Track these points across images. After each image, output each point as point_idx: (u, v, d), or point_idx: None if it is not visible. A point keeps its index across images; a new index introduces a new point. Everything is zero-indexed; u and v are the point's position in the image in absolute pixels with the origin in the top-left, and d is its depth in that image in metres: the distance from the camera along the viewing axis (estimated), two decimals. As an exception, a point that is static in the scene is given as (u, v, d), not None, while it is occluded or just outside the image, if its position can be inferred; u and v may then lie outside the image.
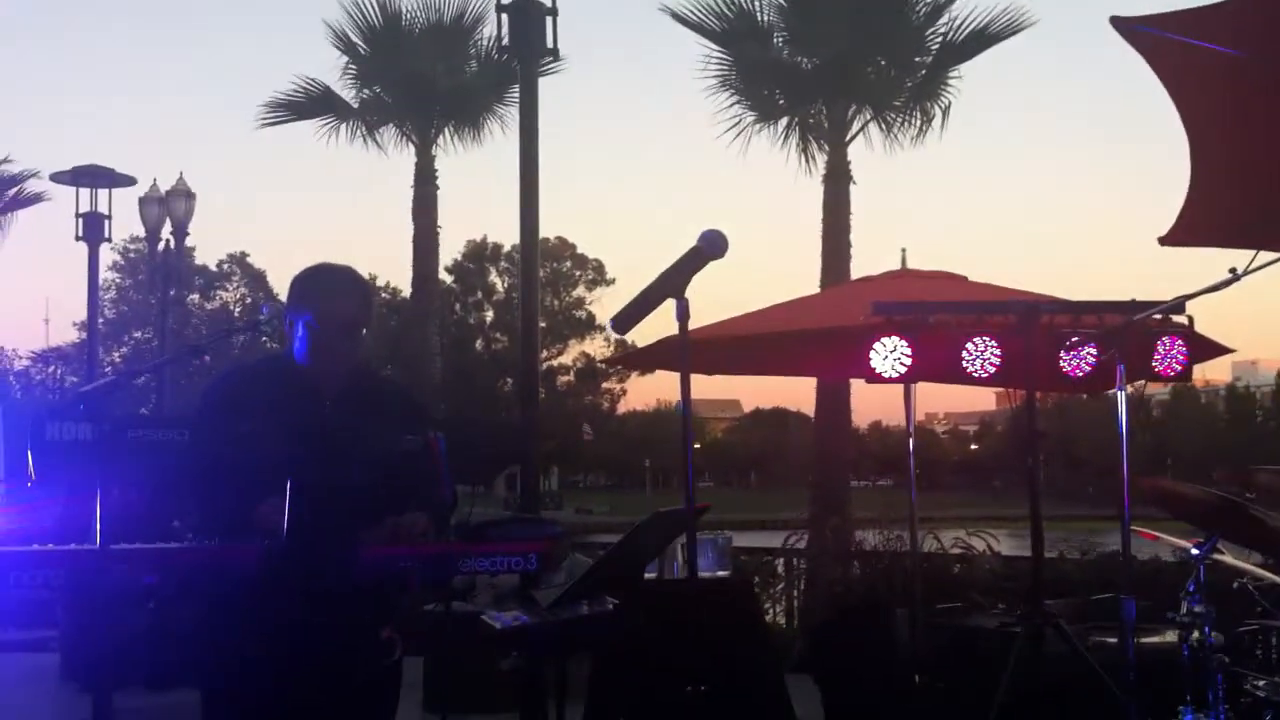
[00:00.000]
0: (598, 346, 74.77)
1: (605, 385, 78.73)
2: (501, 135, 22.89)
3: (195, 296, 62.74)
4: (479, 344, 71.86)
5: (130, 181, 19.61)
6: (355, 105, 23.00)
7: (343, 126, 23.05)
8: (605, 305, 71.70)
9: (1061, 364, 6.01)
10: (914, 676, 7.35)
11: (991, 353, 6.04)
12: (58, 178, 19.34)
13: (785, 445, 73.43)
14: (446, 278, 66.65)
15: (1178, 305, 5.87)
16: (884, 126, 16.87)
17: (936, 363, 6.11)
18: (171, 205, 20.34)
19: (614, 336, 71.71)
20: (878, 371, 6.07)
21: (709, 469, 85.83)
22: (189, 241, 22.29)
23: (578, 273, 74.81)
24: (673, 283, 3.26)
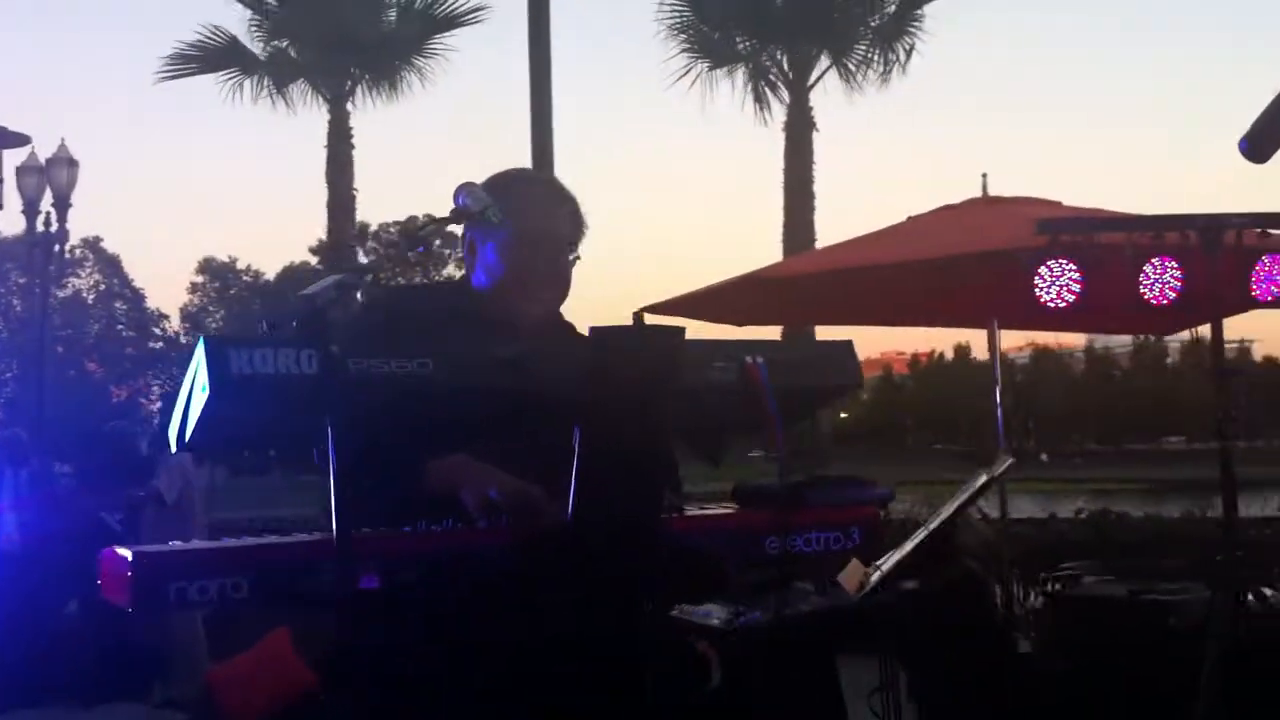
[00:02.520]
0: (470, 327, 73.51)
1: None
2: (420, 90, 21.68)
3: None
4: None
5: (23, 141, 17.93)
6: (263, 58, 21.54)
7: (247, 82, 21.53)
8: None
9: (1253, 287, 5.19)
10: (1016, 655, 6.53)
11: (1172, 275, 5.18)
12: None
13: None
14: (311, 259, 64.87)
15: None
16: (846, 72, 16.05)
17: (1104, 290, 5.24)
18: (52, 174, 18.56)
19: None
20: (1044, 301, 5.18)
21: None
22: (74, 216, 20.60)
23: (447, 251, 72.62)
24: None
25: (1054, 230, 5.20)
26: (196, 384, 2.11)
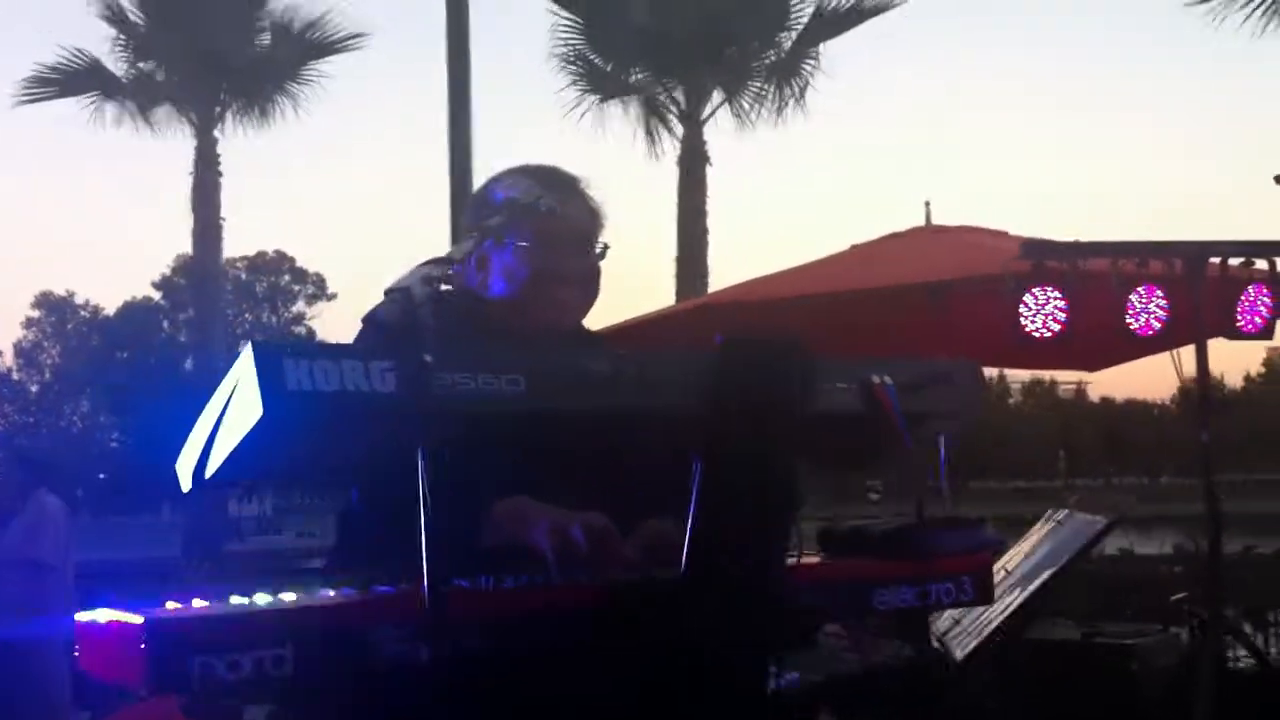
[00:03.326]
0: (323, 364, 72.01)
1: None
2: (293, 117, 20.96)
3: None
4: (189, 364, 67.35)
5: None
6: (126, 81, 20.58)
7: (109, 106, 20.56)
8: (326, 322, 68.78)
9: (1238, 318, 5.01)
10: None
11: (1158, 305, 4.98)
12: None
13: None
14: (155, 294, 63.01)
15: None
16: (740, 107, 15.89)
17: (1089, 320, 5.01)
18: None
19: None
20: (1028, 331, 4.93)
21: None
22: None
23: (297, 287, 71.24)
24: None
25: (1038, 256, 4.96)
26: (237, 403, 1.66)
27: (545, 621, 1.80)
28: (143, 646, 1.61)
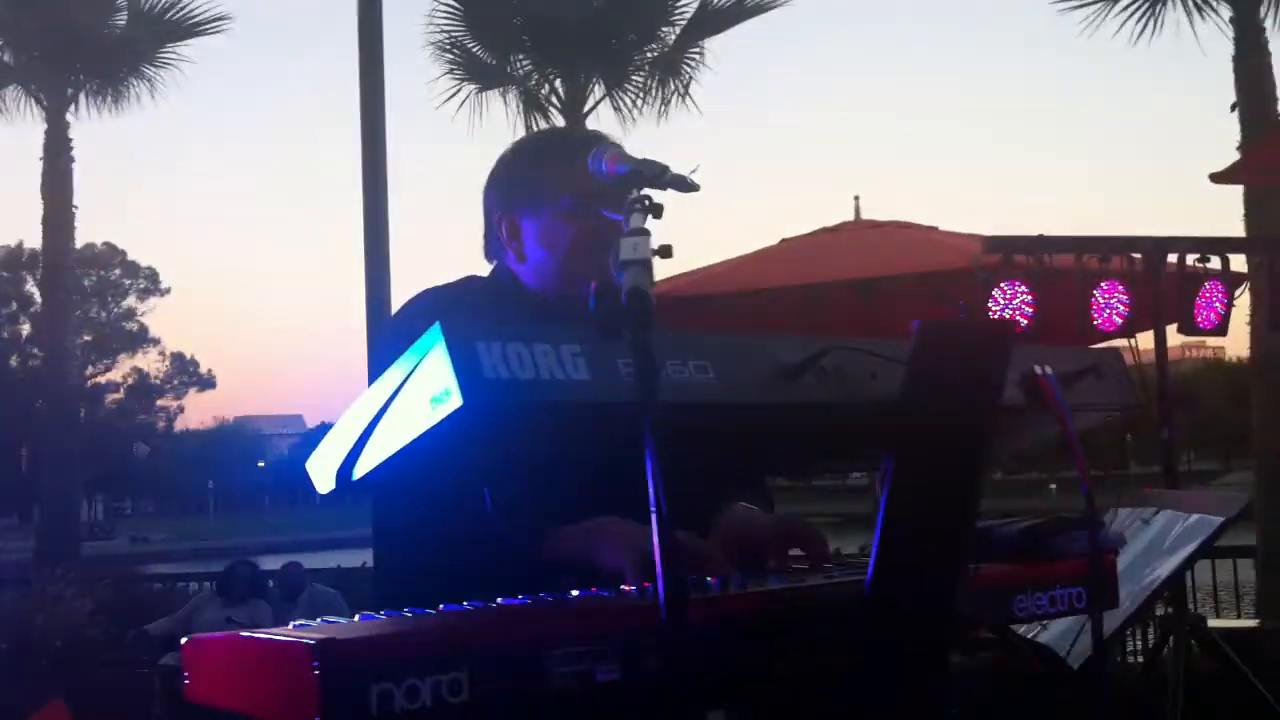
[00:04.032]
0: (151, 361, 69.78)
1: (161, 403, 72.93)
2: (150, 101, 20.11)
3: None
4: (14, 360, 64.37)
5: None
6: (-30, 61, 19.50)
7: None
8: (160, 317, 66.67)
9: (1195, 313, 5.06)
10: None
11: (1119, 300, 5.00)
12: None
13: None
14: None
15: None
16: (624, 100, 15.74)
17: (1052, 314, 5.01)
18: None
19: (169, 350, 68.42)
20: (997, 324, 4.89)
21: (273, 488, 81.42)
22: None
23: (128, 281, 68.80)
24: None
25: (1004, 250, 4.93)
26: (415, 393, 1.45)
27: (759, 626, 1.62)
28: (315, 673, 1.39)
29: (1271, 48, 11.68)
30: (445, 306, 2.29)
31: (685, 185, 1.72)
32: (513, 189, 2.37)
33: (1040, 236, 4.92)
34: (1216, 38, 12.16)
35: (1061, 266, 4.93)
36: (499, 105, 15.69)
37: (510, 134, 15.84)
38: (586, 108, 15.45)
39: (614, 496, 1.91)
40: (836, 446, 1.75)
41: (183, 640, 1.64)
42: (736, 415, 1.60)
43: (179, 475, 73.40)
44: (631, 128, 15.75)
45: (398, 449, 1.49)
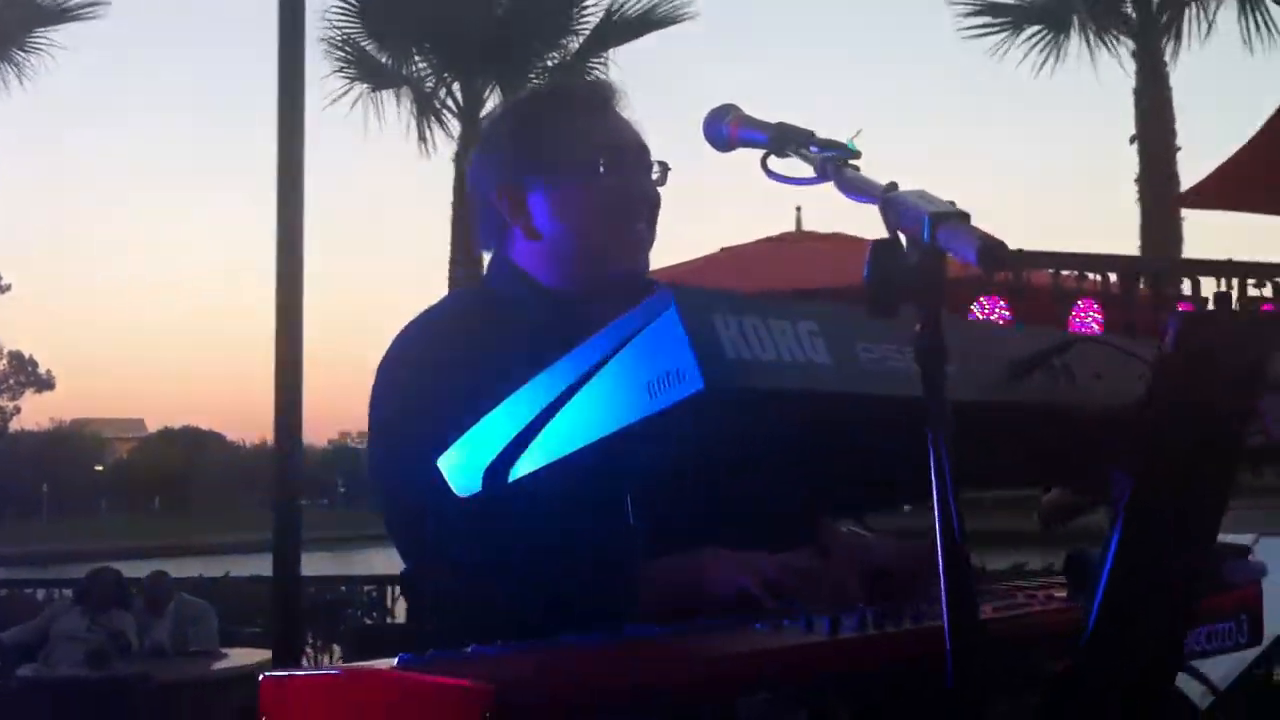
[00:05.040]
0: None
1: (-5, 403, 69.91)
2: (18, 87, 19.16)
3: None
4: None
5: None
6: None
7: None
8: None
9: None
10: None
11: (1094, 318, 4.88)
12: None
13: (201, 466, 68.84)
14: None
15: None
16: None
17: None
18: None
19: (6, 350, 66.35)
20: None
21: (110, 493, 78.73)
22: None
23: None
24: None
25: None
26: (621, 376, 1.14)
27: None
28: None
29: (1172, 82, 11.94)
30: (430, 337, 1.94)
31: (847, 152, 1.46)
32: (520, 152, 1.98)
33: (1021, 251, 4.77)
34: (1119, 71, 12.37)
35: (1038, 283, 4.78)
36: (392, 108, 15.31)
37: (404, 138, 15.45)
38: (483, 113, 15.14)
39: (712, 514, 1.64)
40: (1062, 458, 1.48)
41: (261, 677, 1.30)
42: (963, 415, 1.32)
43: (12, 478, 70.41)
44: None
45: (580, 445, 1.19)
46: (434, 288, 15.02)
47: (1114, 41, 12.56)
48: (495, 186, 1.99)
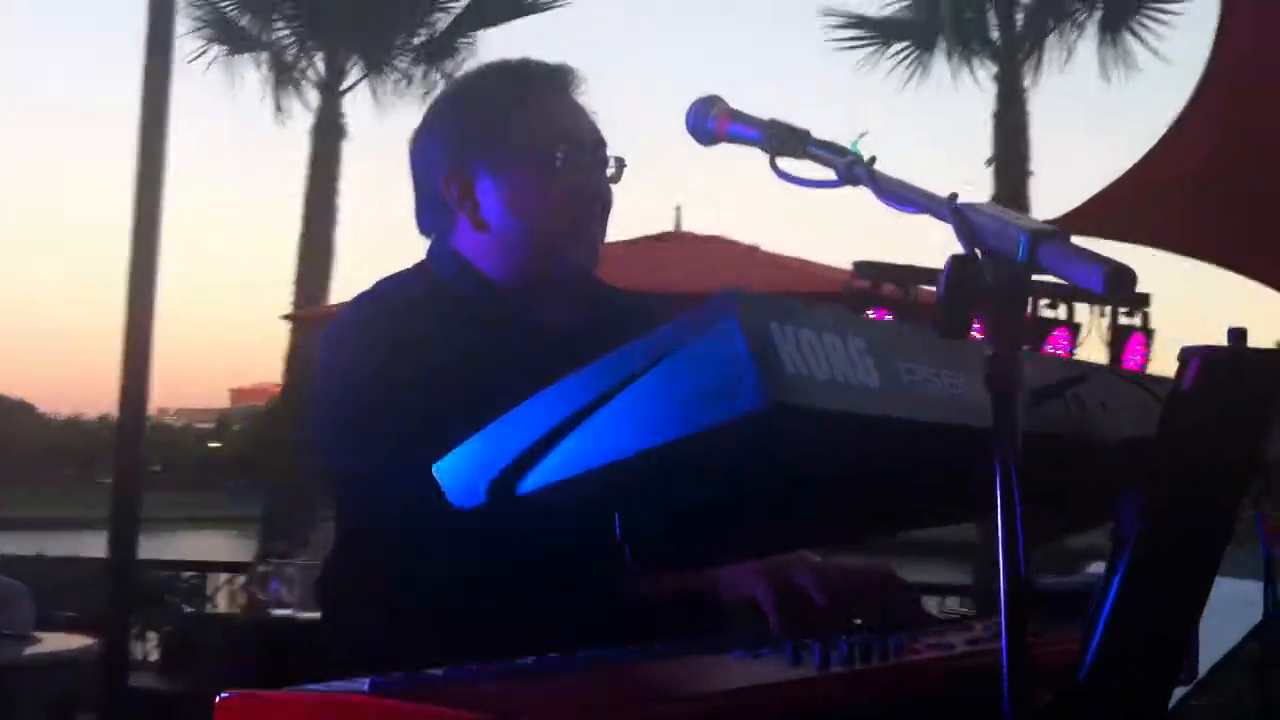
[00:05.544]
0: None
1: None
2: None
3: None
4: None
5: None
6: None
7: None
8: None
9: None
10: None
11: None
12: None
13: (9, 437, 66.18)
14: None
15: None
16: (383, 84, 15.11)
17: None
18: None
19: None
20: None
21: None
22: None
23: None
24: None
25: (875, 278, 4.77)
26: (663, 386, 1.05)
27: None
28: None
29: (1030, 108, 12.26)
30: (370, 315, 1.82)
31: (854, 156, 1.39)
32: (472, 136, 1.86)
33: (911, 266, 4.77)
34: (979, 93, 12.66)
35: (925, 300, 4.79)
36: (252, 74, 14.82)
37: (260, 105, 14.97)
38: (344, 86, 14.77)
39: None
40: (1068, 487, 1.43)
41: (219, 698, 1.16)
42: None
43: None
44: (391, 112, 15.15)
45: (605, 461, 1.08)
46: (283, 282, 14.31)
47: (977, 64, 12.86)
48: (441, 171, 1.87)
